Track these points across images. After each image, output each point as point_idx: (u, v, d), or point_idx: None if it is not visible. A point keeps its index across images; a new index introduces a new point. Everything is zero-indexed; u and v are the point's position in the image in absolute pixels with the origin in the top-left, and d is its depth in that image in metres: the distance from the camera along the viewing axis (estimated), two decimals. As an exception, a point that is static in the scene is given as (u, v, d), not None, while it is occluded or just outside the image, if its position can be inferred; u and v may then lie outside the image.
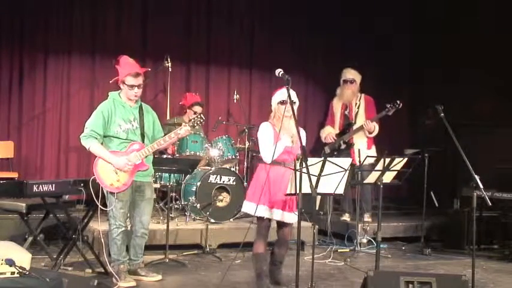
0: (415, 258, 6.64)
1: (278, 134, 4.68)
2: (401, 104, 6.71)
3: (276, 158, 4.68)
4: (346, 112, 7.28)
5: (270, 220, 4.80)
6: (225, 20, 8.57)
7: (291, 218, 4.76)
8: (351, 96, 7.22)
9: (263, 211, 4.71)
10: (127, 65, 5.06)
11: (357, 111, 7.20)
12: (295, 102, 4.75)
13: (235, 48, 8.65)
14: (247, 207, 4.80)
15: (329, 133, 7.28)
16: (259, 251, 4.82)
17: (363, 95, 7.28)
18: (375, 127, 7.03)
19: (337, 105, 7.36)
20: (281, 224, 4.86)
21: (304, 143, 4.80)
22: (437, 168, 7.47)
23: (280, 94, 4.80)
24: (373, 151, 7.00)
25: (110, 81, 5.10)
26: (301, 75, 8.72)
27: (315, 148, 8.18)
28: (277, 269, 5.00)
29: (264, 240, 4.84)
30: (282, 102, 4.74)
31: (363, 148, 6.96)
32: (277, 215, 4.74)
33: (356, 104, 7.22)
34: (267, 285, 4.84)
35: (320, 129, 7.73)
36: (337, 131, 7.28)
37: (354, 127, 7.11)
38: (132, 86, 4.98)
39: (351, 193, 7.16)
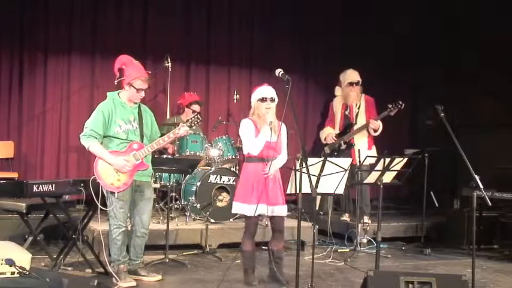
0: (415, 258, 6.63)
1: (259, 130, 4.84)
2: (403, 105, 6.69)
3: (259, 155, 4.80)
4: (347, 112, 7.26)
5: (258, 217, 4.93)
6: (225, 20, 8.57)
7: (281, 210, 4.90)
8: (356, 99, 7.21)
9: (253, 210, 4.80)
10: (136, 68, 5.07)
11: (358, 112, 7.17)
12: (274, 99, 4.92)
13: (235, 48, 8.65)
14: (239, 207, 4.92)
15: (329, 133, 7.26)
16: (247, 248, 5.00)
17: (363, 95, 7.26)
18: (379, 126, 7.02)
19: (337, 106, 7.34)
20: (272, 218, 4.98)
21: (285, 139, 4.97)
22: (437, 168, 7.47)
23: (260, 91, 4.94)
24: (373, 151, 6.99)
25: (115, 81, 5.07)
26: (301, 75, 8.72)
27: (315, 148, 8.19)
28: (278, 267, 5.03)
29: (252, 237, 5.01)
30: (262, 100, 4.87)
31: (364, 148, 6.94)
32: (269, 210, 4.87)
33: (356, 104, 7.20)
34: (255, 280, 4.99)
35: (320, 129, 7.73)
36: (338, 132, 7.26)
37: (355, 127, 7.10)
38: (139, 90, 5.02)
39: (350, 193, 7.15)
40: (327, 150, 7.26)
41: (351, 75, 7.25)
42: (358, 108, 7.19)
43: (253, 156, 4.88)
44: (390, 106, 6.76)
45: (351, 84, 7.21)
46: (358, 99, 7.21)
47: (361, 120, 7.11)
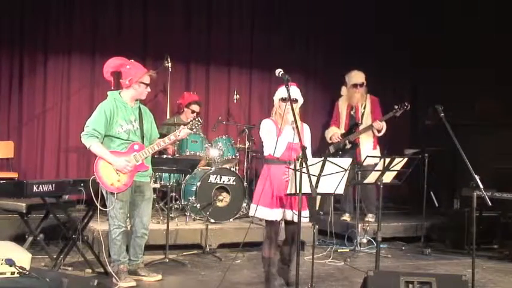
0: (415, 258, 6.64)
1: (280, 130, 4.65)
2: (409, 106, 6.73)
3: (281, 157, 4.64)
4: (352, 112, 7.33)
5: (279, 222, 4.73)
6: (225, 20, 8.57)
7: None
8: (360, 100, 7.27)
9: (276, 214, 4.65)
10: (138, 66, 5.10)
11: (363, 112, 7.24)
12: (297, 100, 4.72)
13: (235, 48, 8.65)
14: (259, 211, 4.67)
15: (334, 133, 7.31)
16: (268, 255, 4.78)
17: (368, 95, 7.32)
18: (383, 126, 7.07)
19: (342, 106, 7.40)
20: (289, 223, 4.78)
21: (309, 139, 4.80)
22: (437, 168, 7.47)
23: (282, 91, 4.70)
24: (378, 151, 7.05)
25: (127, 81, 4.98)
26: (301, 75, 8.73)
27: (316, 148, 8.19)
28: (287, 268, 4.94)
29: (273, 244, 4.78)
30: (283, 100, 4.68)
31: (369, 148, 7.01)
32: (288, 214, 4.68)
33: (362, 104, 7.26)
34: (276, 287, 4.80)
35: (320, 128, 7.74)
36: (343, 131, 7.31)
37: (361, 127, 7.14)
38: (147, 85, 5.06)
39: (352, 193, 7.15)
40: (331, 149, 7.31)
41: (355, 76, 7.30)
42: (364, 108, 7.24)
43: (274, 158, 4.66)
44: (396, 107, 6.80)
45: (355, 85, 7.28)
46: (363, 100, 7.28)
47: (367, 121, 7.18)
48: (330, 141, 7.35)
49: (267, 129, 4.73)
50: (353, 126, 7.22)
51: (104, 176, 4.87)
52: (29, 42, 7.56)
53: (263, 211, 4.66)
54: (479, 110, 8.45)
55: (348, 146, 7.15)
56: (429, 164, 6.92)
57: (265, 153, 4.76)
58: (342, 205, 7.54)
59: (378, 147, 7.19)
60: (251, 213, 4.76)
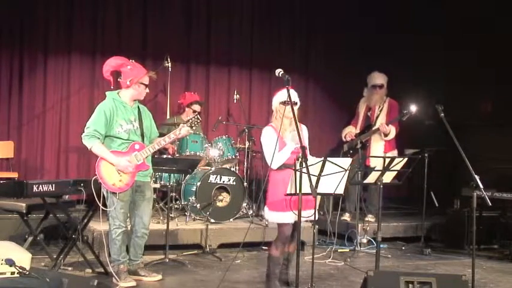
0: (415, 258, 6.64)
1: (281, 138, 4.69)
2: (413, 112, 6.75)
3: (287, 162, 4.66)
4: (369, 114, 7.40)
5: (291, 224, 4.73)
6: (225, 20, 8.57)
7: (309, 214, 4.67)
8: (378, 101, 7.35)
9: (291, 217, 4.64)
10: (139, 66, 5.11)
11: (379, 114, 7.29)
12: (296, 103, 4.75)
13: (235, 48, 8.65)
14: (274, 216, 4.72)
15: (349, 132, 7.40)
16: (276, 254, 4.80)
17: (388, 98, 7.37)
18: (390, 130, 7.08)
19: (362, 106, 7.49)
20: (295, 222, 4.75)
21: (306, 140, 4.81)
22: (437, 168, 7.47)
23: (282, 94, 4.75)
24: (395, 154, 7.03)
25: (128, 82, 5.00)
26: (301, 75, 8.73)
27: (313, 148, 8.20)
28: (285, 268, 4.96)
29: (284, 245, 4.80)
30: (284, 103, 4.70)
31: (380, 150, 7.02)
32: (305, 214, 4.63)
33: (379, 107, 7.32)
34: (277, 287, 4.81)
35: (319, 129, 7.76)
36: (358, 131, 7.38)
37: (373, 129, 7.20)
38: (147, 86, 5.08)
39: (355, 193, 7.14)
40: (345, 147, 7.40)
41: (375, 77, 7.40)
42: (380, 110, 7.31)
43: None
44: (404, 112, 6.83)
45: (374, 87, 7.37)
46: (382, 102, 7.33)
47: (380, 123, 7.19)
48: (344, 139, 7.43)
49: (267, 139, 4.71)
50: (366, 128, 7.31)
51: (105, 176, 4.87)
52: (29, 42, 7.56)
53: (277, 215, 4.70)
54: (479, 110, 8.44)
55: (359, 145, 7.20)
56: (429, 164, 6.93)
57: (268, 164, 4.74)
58: (345, 204, 7.53)
59: (395, 150, 7.21)
60: (268, 219, 4.84)
